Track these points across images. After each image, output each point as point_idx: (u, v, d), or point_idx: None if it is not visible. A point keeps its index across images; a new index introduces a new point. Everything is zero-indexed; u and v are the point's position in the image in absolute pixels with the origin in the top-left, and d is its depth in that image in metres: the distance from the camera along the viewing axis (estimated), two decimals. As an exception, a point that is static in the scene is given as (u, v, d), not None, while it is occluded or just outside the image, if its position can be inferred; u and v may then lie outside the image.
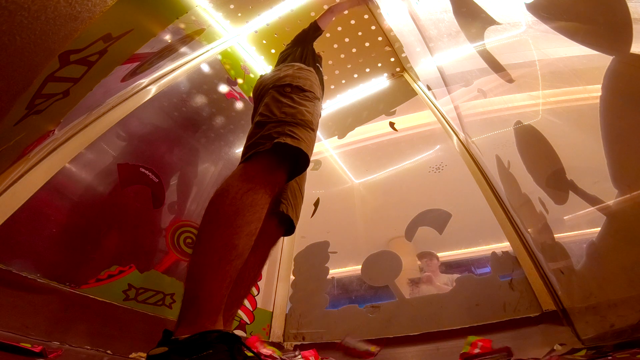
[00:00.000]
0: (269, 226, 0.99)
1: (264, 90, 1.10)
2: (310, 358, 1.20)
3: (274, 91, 1.03)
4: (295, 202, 1.07)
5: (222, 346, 0.57)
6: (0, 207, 0.86)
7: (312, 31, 1.66)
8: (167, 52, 1.53)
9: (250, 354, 0.64)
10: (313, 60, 1.43)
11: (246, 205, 0.74)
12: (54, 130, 1.02)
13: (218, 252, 0.68)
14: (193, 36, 1.80)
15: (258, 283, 1.73)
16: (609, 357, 0.61)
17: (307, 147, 0.88)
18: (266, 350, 1.28)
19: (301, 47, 1.49)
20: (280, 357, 1.28)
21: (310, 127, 0.94)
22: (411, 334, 1.33)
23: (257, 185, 0.78)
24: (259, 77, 1.28)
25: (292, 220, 1.03)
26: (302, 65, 1.23)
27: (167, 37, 1.42)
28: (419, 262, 1.59)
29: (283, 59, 1.46)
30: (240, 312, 1.53)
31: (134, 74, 1.30)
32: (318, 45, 2.40)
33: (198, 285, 0.66)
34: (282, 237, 1.05)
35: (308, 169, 2.36)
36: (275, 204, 0.99)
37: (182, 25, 1.54)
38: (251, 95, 2.26)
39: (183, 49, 1.78)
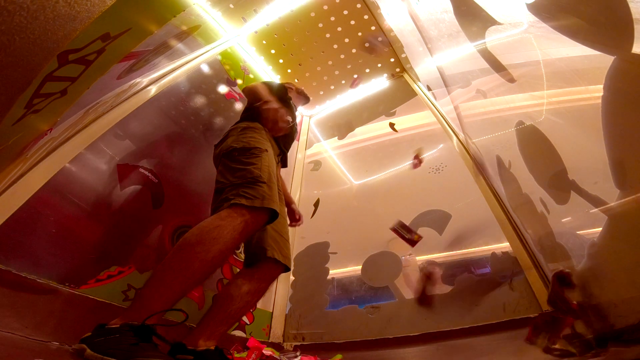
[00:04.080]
0: (268, 266, 1.15)
1: (215, 162, 1.26)
2: None
3: (224, 159, 1.18)
4: (279, 246, 1.20)
5: (130, 333, 0.70)
6: (0, 207, 0.86)
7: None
8: (163, 49, 1.52)
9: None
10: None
11: (210, 238, 0.87)
12: (51, 128, 1.02)
13: (172, 268, 0.83)
14: (189, 32, 1.80)
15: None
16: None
17: (264, 201, 1.00)
18: (266, 351, 1.28)
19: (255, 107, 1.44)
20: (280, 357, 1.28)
21: (260, 181, 1.05)
22: (411, 334, 1.32)
23: (226, 224, 0.92)
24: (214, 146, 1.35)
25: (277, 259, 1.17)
26: (246, 124, 1.31)
27: (163, 35, 1.41)
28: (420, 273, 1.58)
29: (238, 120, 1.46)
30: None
31: (130, 71, 1.30)
32: (317, 44, 2.41)
33: (146, 289, 0.81)
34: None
35: (308, 170, 2.34)
36: (264, 251, 1.15)
37: (177, 22, 1.53)
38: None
39: (181, 48, 1.78)
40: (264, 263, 1.14)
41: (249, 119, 1.36)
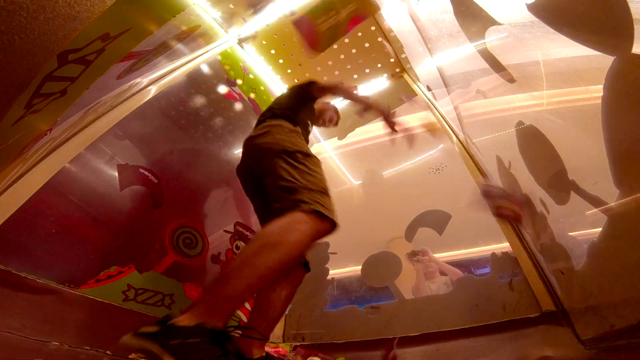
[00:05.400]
0: (299, 269, 1.17)
1: (263, 152, 1.15)
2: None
3: (286, 157, 1.09)
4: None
5: (207, 339, 0.65)
6: (0, 207, 0.86)
7: (305, 95, 1.50)
8: (163, 49, 1.52)
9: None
10: (304, 117, 1.40)
11: (292, 242, 0.85)
12: (51, 128, 1.02)
13: (255, 268, 0.79)
14: (188, 32, 1.80)
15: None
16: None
17: (333, 214, 0.98)
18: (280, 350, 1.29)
19: (294, 107, 1.39)
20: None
21: (328, 194, 1.04)
22: (411, 335, 1.32)
23: (306, 229, 0.89)
24: (248, 137, 1.25)
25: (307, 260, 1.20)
26: (291, 127, 1.23)
27: (163, 35, 1.41)
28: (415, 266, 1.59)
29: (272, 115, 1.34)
30: (239, 312, 1.53)
31: (130, 71, 1.30)
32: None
33: (224, 287, 0.77)
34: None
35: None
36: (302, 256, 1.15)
37: (177, 22, 1.53)
38: (250, 96, 2.27)
39: (181, 48, 1.78)
40: (297, 266, 1.16)
41: (290, 120, 1.26)
